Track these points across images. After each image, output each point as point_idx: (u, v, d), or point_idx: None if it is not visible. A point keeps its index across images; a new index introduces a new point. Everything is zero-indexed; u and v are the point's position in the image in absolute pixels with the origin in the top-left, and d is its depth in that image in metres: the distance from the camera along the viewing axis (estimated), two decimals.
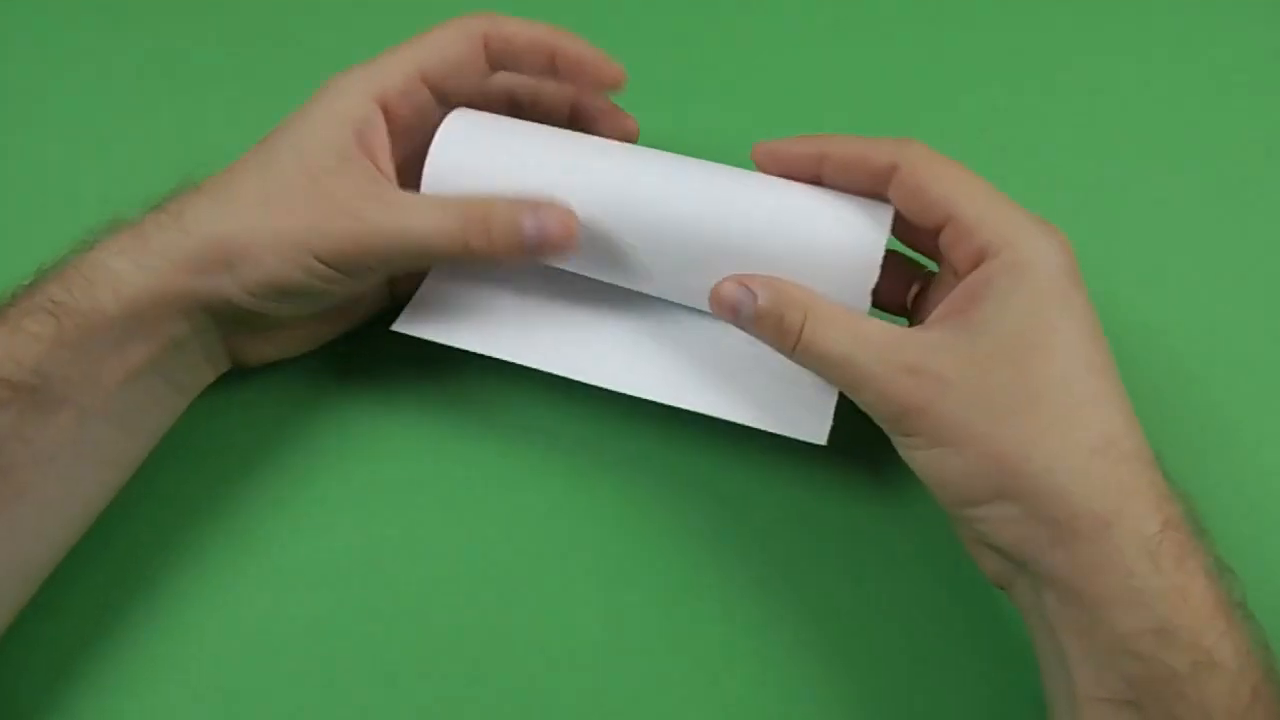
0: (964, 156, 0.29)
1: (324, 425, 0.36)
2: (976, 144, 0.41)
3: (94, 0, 0.48)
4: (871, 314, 0.30)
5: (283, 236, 0.29)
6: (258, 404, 0.36)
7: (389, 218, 0.30)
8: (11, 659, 0.31)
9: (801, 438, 0.31)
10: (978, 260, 0.27)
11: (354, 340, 0.37)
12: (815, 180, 0.30)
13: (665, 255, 0.31)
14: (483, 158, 0.32)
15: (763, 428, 0.31)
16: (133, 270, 0.29)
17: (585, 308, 0.34)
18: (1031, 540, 0.26)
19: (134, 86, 0.46)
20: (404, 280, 0.36)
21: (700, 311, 0.33)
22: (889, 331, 0.28)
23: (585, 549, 0.34)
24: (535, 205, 0.30)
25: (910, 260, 0.33)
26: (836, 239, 0.29)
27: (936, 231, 0.28)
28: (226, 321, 0.31)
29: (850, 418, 0.30)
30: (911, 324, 0.33)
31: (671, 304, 0.34)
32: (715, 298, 0.30)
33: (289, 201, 0.30)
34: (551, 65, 0.33)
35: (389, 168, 0.32)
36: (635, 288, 0.33)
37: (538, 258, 0.31)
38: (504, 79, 0.35)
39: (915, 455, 0.27)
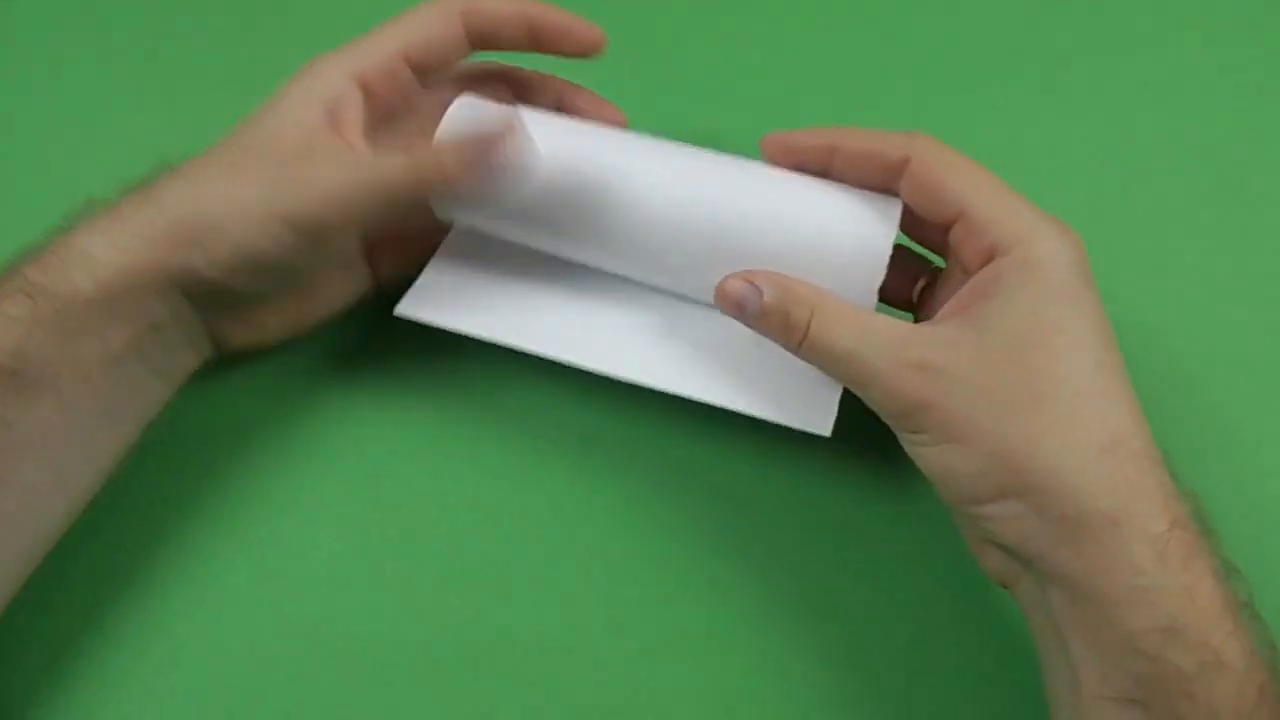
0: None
1: (317, 416, 0.36)
2: (976, 142, 0.41)
3: None
4: (877, 309, 0.29)
5: (246, 203, 0.29)
6: (250, 395, 0.36)
7: (345, 171, 0.30)
8: None
9: (806, 429, 0.30)
10: (988, 257, 0.27)
11: (347, 330, 0.37)
12: (824, 173, 0.30)
13: (670, 246, 0.31)
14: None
15: (767, 418, 0.31)
16: (107, 250, 0.28)
17: (589, 296, 0.34)
18: (1038, 538, 0.25)
19: (121, 75, 0.45)
20: (387, 268, 0.35)
21: (706, 304, 0.32)
22: (896, 327, 0.28)
23: (585, 541, 0.34)
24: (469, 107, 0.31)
25: (916, 255, 0.33)
26: (844, 235, 0.29)
27: (946, 227, 0.28)
28: (202, 302, 0.31)
29: (855, 411, 0.30)
30: (917, 319, 0.33)
31: (678, 297, 0.33)
32: (720, 294, 0.30)
33: (254, 173, 0.30)
34: (532, 38, 0.33)
35: (361, 144, 0.32)
36: (640, 278, 0.33)
37: (491, 174, 0.30)
38: (487, 86, 0.36)
39: (922, 452, 0.27)
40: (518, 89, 0.37)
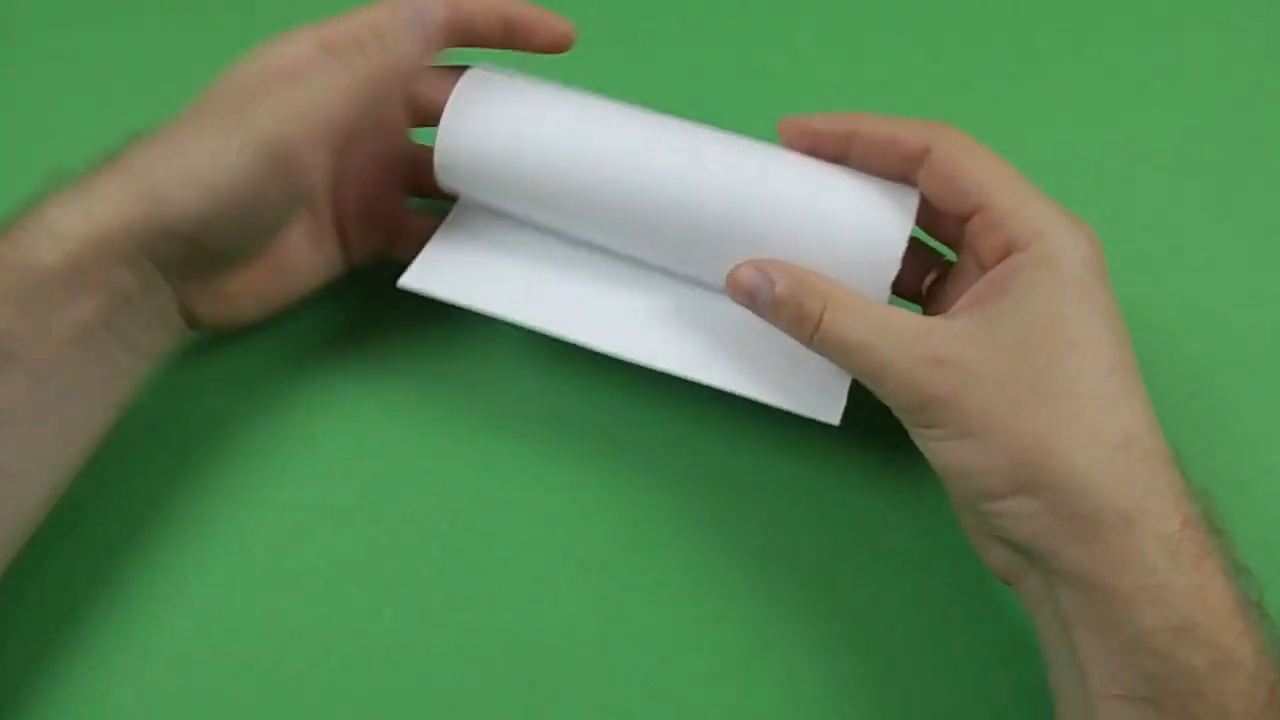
0: None
1: (299, 403, 0.35)
2: (983, 139, 0.41)
3: None
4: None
5: (212, 144, 0.29)
6: (231, 381, 0.36)
7: (297, 90, 0.29)
8: None
9: (814, 417, 0.30)
10: (1005, 251, 0.27)
11: (328, 313, 0.36)
12: (841, 159, 0.30)
13: (682, 227, 0.30)
14: (500, 121, 0.31)
15: (775, 404, 0.30)
16: (74, 220, 0.28)
17: (597, 275, 0.33)
18: (1050, 535, 0.25)
19: (101, 54, 0.44)
20: (358, 248, 0.35)
21: (716, 288, 0.32)
22: (912, 320, 0.27)
23: (582, 530, 0.33)
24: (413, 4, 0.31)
25: (927, 247, 0.33)
26: (860, 225, 0.29)
27: (964, 220, 0.28)
28: (173, 268, 0.30)
29: (861, 404, 0.30)
30: (925, 312, 0.32)
31: (688, 278, 0.33)
32: (732, 283, 0.29)
33: (218, 117, 0.29)
34: (506, 31, 0.33)
35: None
36: (649, 259, 0.32)
37: (444, 44, 0.31)
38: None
39: (935, 447, 0.27)
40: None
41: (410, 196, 0.37)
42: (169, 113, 0.30)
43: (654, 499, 0.34)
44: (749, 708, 0.31)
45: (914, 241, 0.32)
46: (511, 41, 0.33)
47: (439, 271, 0.33)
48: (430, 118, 0.33)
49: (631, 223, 0.31)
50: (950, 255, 0.32)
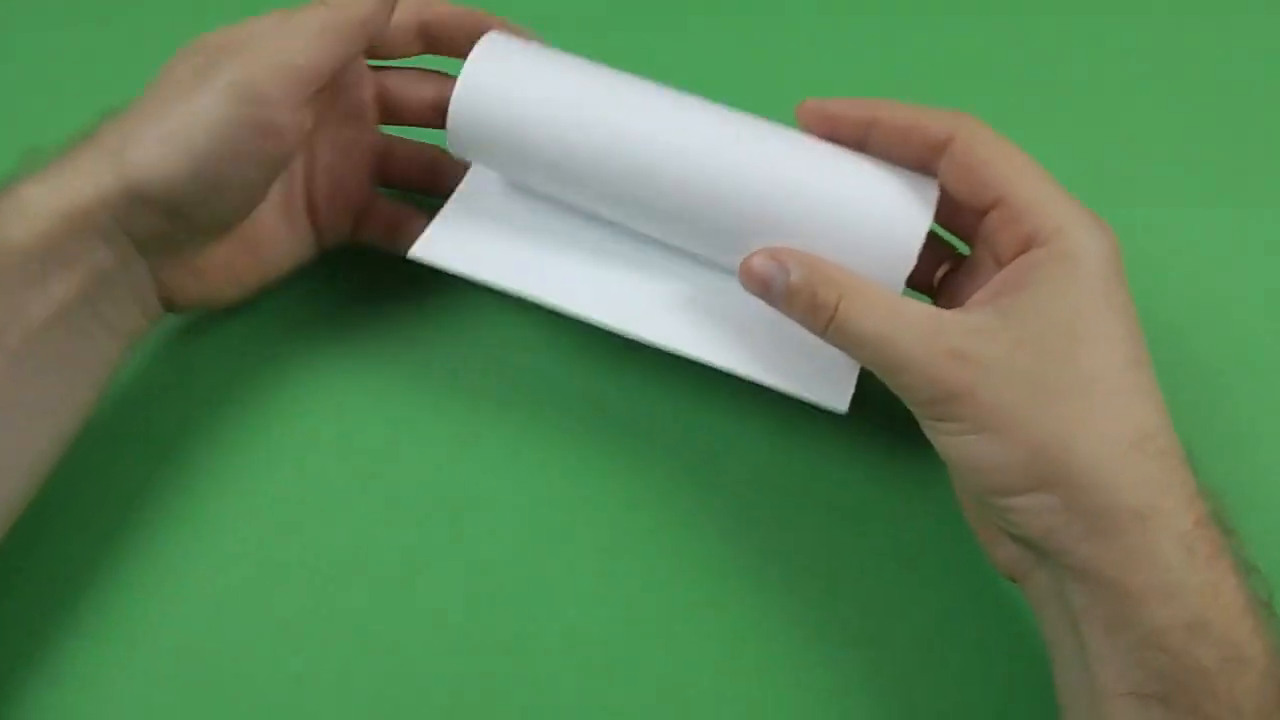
0: None
1: (290, 382, 0.35)
2: None
3: None
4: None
5: (187, 102, 0.29)
6: (215, 362, 0.35)
7: (266, 41, 0.30)
8: None
9: (822, 404, 0.30)
10: (1024, 246, 0.27)
11: (327, 292, 0.36)
12: (860, 146, 0.29)
13: (696, 209, 0.30)
14: (516, 87, 0.30)
15: (783, 389, 0.30)
16: (44, 196, 0.28)
17: (610, 252, 0.33)
18: (1064, 531, 0.25)
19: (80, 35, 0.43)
20: (329, 231, 0.35)
21: (727, 270, 0.32)
22: (929, 313, 0.27)
23: (582, 516, 0.33)
24: None
25: (941, 239, 0.32)
26: (878, 216, 0.28)
27: (982, 212, 0.28)
28: (148, 243, 0.30)
29: (868, 393, 0.30)
30: (936, 305, 0.32)
31: (699, 259, 0.32)
32: (745, 271, 0.29)
33: (190, 82, 0.29)
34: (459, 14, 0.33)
35: None
36: (662, 237, 0.32)
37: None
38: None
39: (949, 441, 0.27)
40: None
41: (378, 186, 0.37)
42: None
43: (654, 486, 0.34)
44: (751, 699, 0.31)
45: (928, 233, 0.32)
46: (462, 22, 0.33)
47: (449, 243, 0.32)
48: (396, 114, 0.35)
49: (644, 198, 0.30)
50: (963, 248, 0.32)
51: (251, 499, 0.33)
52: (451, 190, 0.34)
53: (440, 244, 0.32)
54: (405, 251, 0.33)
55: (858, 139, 0.29)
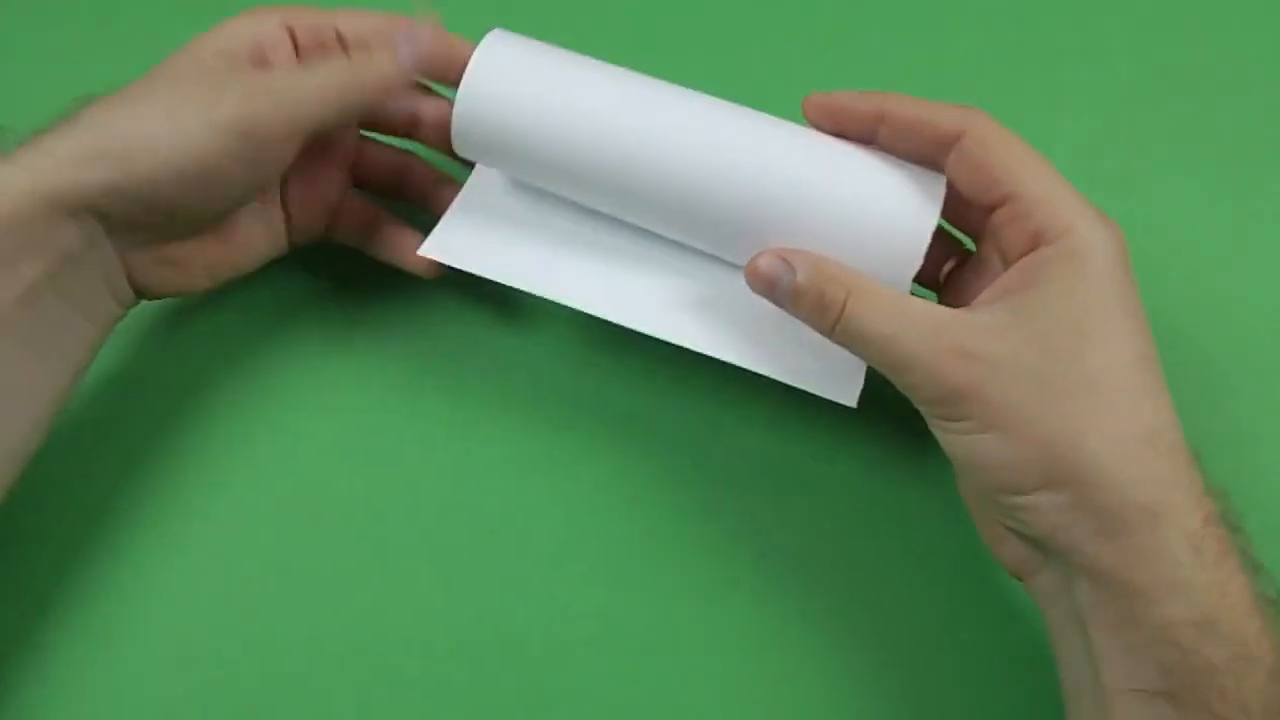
0: None
1: (280, 370, 0.35)
2: None
3: None
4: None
5: (181, 116, 0.29)
6: (212, 350, 0.35)
7: (278, 80, 0.30)
8: None
9: (831, 397, 0.30)
10: (1032, 243, 0.27)
11: (317, 282, 0.36)
12: (868, 140, 0.29)
13: (702, 207, 0.30)
14: (521, 85, 0.30)
15: (792, 383, 0.30)
16: (13, 174, 0.27)
17: (616, 248, 0.33)
18: (1072, 529, 0.25)
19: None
20: (300, 225, 0.35)
21: (734, 265, 0.31)
22: (936, 312, 0.27)
23: (583, 510, 0.33)
24: (409, 28, 0.31)
25: (948, 235, 0.32)
26: (885, 214, 0.28)
27: (990, 209, 0.28)
28: (120, 231, 0.30)
29: (876, 389, 0.30)
30: (942, 301, 0.32)
31: (705, 254, 0.32)
32: (752, 272, 0.29)
33: (188, 89, 0.29)
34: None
35: None
36: (668, 233, 0.32)
37: (421, 71, 0.31)
38: None
39: (957, 440, 0.27)
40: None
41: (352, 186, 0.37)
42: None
43: (657, 482, 0.33)
44: (753, 697, 0.31)
45: (937, 229, 0.32)
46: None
47: (457, 242, 0.32)
48: (377, 122, 0.35)
49: (649, 196, 0.30)
50: (969, 244, 0.32)
51: (234, 495, 0.33)
52: (420, 197, 0.35)
53: (449, 242, 0.32)
54: (374, 252, 0.34)
55: (865, 133, 0.29)
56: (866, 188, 0.29)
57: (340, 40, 0.33)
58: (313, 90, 0.30)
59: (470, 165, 0.34)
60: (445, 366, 0.35)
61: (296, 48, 0.32)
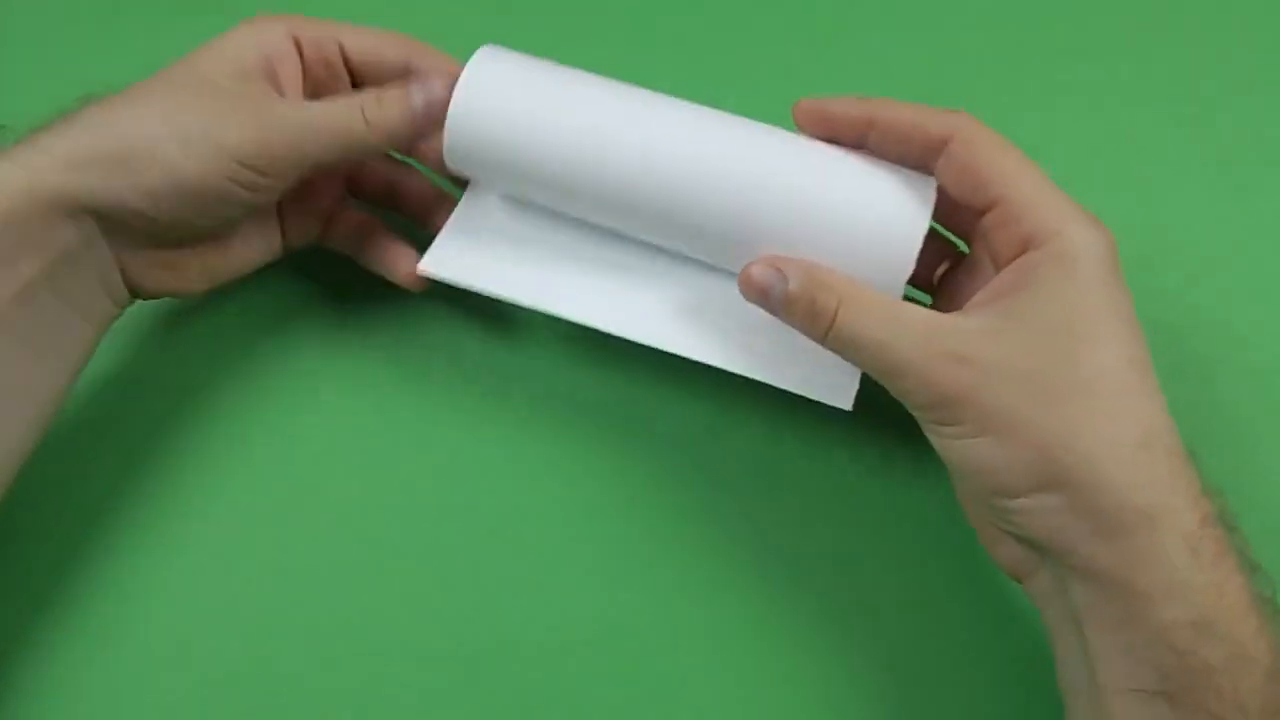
0: None
1: (276, 372, 0.35)
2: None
3: None
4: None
5: (188, 131, 0.29)
6: (212, 350, 0.36)
7: (290, 111, 0.30)
8: None
9: (827, 401, 0.30)
10: (1022, 247, 0.27)
11: (317, 286, 0.36)
12: (858, 145, 0.29)
13: (694, 216, 0.30)
14: (512, 101, 0.30)
15: (787, 388, 0.30)
16: (10, 171, 0.28)
17: (610, 259, 0.33)
18: (1069, 532, 0.25)
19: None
20: (295, 232, 0.35)
21: (727, 272, 0.32)
22: (928, 317, 0.27)
23: (579, 514, 0.33)
24: (423, 77, 0.31)
25: (941, 237, 0.32)
26: (877, 218, 0.28)
27: (980, 212, 0.28)
28: (116, 233, 0.30)
29: (871, 393, 0.30)
30: (935, 303, 0.32)
31: (699, 262, 0.33)
32: (744, 281, 0.29)
33: (196, 103, 0.29)
34: None
35: (297, 99, 0.32)
36: (662, 243, 0.32)
37: (431, 122, 0.31)
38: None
39: (952, 444, 0.27)
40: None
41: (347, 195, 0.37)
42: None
43: (653, 485, 0.34)
44: (752, 696, 0.31)
45: (929, 231, 0.32)
46: None
47: (454, 258, 0.33)
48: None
49: (640, 206, 0.30)
50: (963, 246, 0.32)
51: (232, 496, 0.33)
52: (415, 211, 0.35)
53: (447, 259, 0.33)
54: (365, 262, 0.35)
55: (855, 139, 0.29)
56: (858, 193, 0.29)
57: (346, 60, 0.33)
58: (323, 131, 0.30)
59: (464, 184, 0.35)
60: (443, 368, 0.36)
61: (302, 57, 0.32)
